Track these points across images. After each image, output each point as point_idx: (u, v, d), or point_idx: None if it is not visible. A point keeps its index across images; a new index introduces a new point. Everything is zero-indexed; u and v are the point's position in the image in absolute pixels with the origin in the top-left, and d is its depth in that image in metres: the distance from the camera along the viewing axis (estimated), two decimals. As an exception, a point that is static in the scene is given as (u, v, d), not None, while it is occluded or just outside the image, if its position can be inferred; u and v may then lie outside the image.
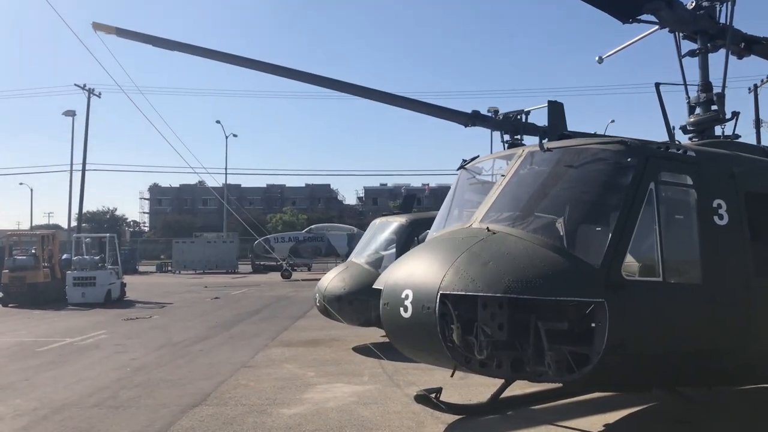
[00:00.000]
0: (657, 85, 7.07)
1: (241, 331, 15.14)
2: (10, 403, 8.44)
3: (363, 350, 12.16)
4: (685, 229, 5.61)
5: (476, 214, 5.80)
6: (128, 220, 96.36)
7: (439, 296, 5.06)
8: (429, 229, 12.68)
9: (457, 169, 7.13)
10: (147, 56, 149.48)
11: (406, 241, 11.94)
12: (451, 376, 6.35)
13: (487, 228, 5.47)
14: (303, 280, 37.49)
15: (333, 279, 12.04)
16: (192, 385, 9.30)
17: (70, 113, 50.44)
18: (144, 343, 13.29)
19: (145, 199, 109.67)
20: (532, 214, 5.59)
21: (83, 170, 50.74)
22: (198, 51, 12.58)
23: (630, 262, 5.30)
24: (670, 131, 7.08)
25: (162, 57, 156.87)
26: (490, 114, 14.19)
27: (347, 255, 40.85)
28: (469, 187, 6.86)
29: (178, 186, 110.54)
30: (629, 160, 5.45)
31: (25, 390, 9.13)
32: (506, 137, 14.40)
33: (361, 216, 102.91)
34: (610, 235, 5.10)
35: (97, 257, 22.95)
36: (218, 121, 57.58)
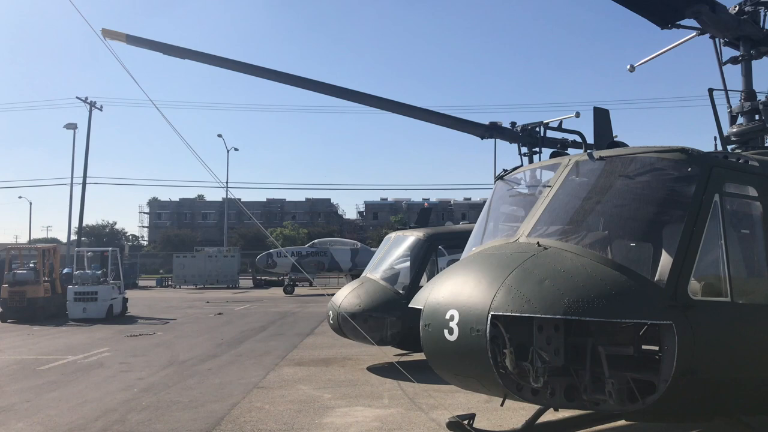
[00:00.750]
0: (710, 90, 6.67)
1: (249, 348, 14.64)
2: (12, 427, 7.95)
3: (378, 370, 11.71)
4: (751, 244, 5.19)
5: (522, 227, 5.37)
6: (127, 234, 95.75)
7: (489, 318, 4.61)
8: (447, 243, 12.33)
9: (495, 180, 6.70)
10: (145, 69, 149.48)
11: (424, 256, 11.51)
12: (501, 404, 5.89)
13: (538, 243, 5.04)
14: (306, 295, 37.09)
15: (348, 295, 11.59)
16: (204, 408, 8.82)
17: (72, 126, 50.11)
18: (149, 362, 12.79)
19: (144, 213, 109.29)
20: (584, 228, 5.17)
21: (84, 183, 50.34)
22: (210, 59, 12.23)
23: (694, 280, 4.87)
24: (723, 140, 6.68)
25: (161, 70, 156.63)
26: (508, 126, 13.89)
27: (350, 270, 40.66)
28: (508, 199, 6.44)
29: (177, 200, 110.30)
30: (691, 169, 5.03)
31: (27, 413, 8.63)
32: (524, 149, 14.11)
33: (361, 230, 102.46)
34: (675, 251, 4.68)
35: (99, 271, 22.44)
36: (220, 135, 57.32)
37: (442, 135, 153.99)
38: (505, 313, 4.59)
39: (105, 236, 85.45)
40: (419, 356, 12.84)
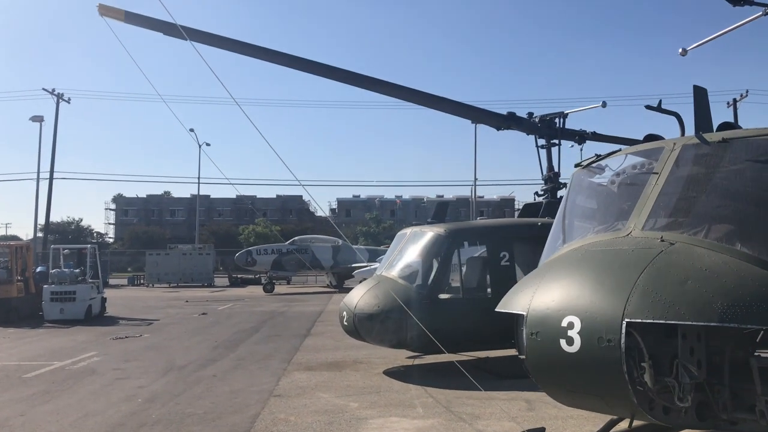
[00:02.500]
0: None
1: (249, 352, 13.77)
2: (10, 447, 7.04)
3: (396, 374, 11.00)
4: None
5: (633, 220, 4.68)
6: (93, 232, 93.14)
7: (624, 325, 3.92)
8: (471, 240, 11.63)
9: (575, 167, 6.00)
10: (113, 59, 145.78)
11: (447, 253, 10.80)
12: (630, 426, 5.23)
13: (661, 238, 4.36)
14: (286, 294, 36.13)
15: (364, 296, 10.82)
16: (222, 421, 7.98)
17: (38, 119, 48.25)
18: (145, 367, 11.85)
19: (110, 209, 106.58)
20: (706, 220, 4.50)
21: (51, 178, 48.50)
22: (213, 40, 11.31)
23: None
24: None
25: (129, 60, 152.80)
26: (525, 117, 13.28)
27: (332, 268, 39.78)
28: (597, 189, 5.74)
29: (144, 196, 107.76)
30: None
31: (25, 430, 7.68)
32: (541, 141, 13.52)
33: (331, 229, 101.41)
34: None
35: (77, 270, 21.22)
36: (192, 129, 55.58)
37: (415, 131, 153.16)
38: (643, 320, 3.90)
39: (70, 233, 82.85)
40: (433, 359, 12.17)
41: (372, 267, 32.05)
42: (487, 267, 11.04)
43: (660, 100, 5.73)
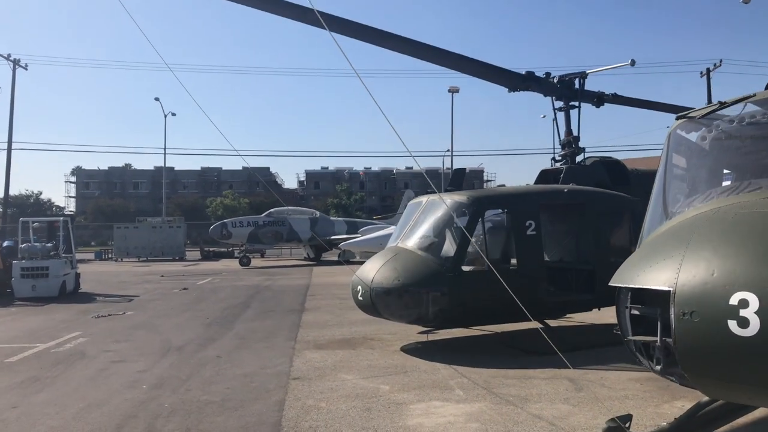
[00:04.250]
0: None
1: (247, 329, 12.89)
2: (9, 447, 6.10)
3: (415, 352, 10.30)
4: None
5: None
6: (54, 205, 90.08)
7: None
8: (496, 208, 10.89)
9: (677, 118, 5.23)
10: (73, 25, 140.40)
11: (470, 222, 10.02)
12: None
13: None
14: (264, 267, 35.15)
15: (381, 269, 10.01)
16: (245, 409, 7.15)
17: (-6, 86, 45.65)
18: (140, 348, 10.90)
19: (71, 182, 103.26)
20: None
21: (9, 149, 46.13)
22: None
23: None
24: None
25: (93, 26, 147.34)
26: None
27: (309, 240, 38.82)
28: (713, 145, 4.96)
29: (107, 168, 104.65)
30: None
31: (21, 425, 6.71)
32: (558, 104, 12.78)
33: (302, 201, 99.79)
34: None
35: (49, 244, 19.91)
36: (157, 99, 53.54)
37: (386, 99, 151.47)
38: None
39: (29, 207, 79.90)
40: (446, 335, 11.49)
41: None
42: (512, 236, 10.33)
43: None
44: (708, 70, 48.34)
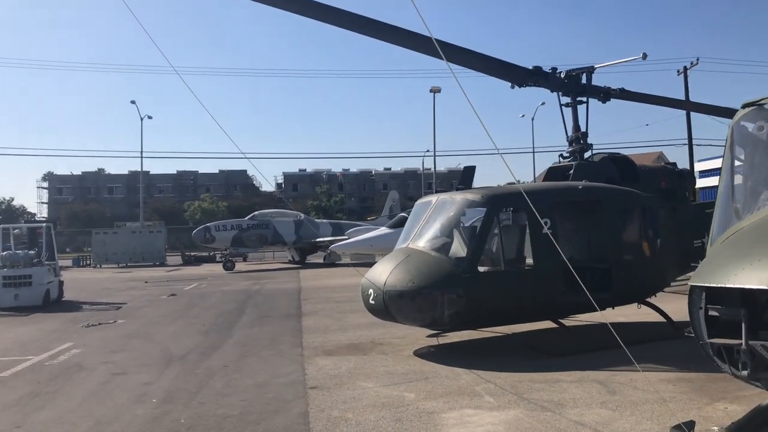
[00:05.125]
0: None
1: (248, 336, 12.43)
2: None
3: (430, 356, 9.96)
4: None
5: None
6: (26, 212, 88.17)
7: None
8: (512, 206, 10.57)
9: (743, 107, 4.92)
10: (50, 25, 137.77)
11: (487, 222, 9.70)
12: None
13: None
14: (249, 271, 34.50)
15: (394, 271, 9.63)
16: (268, 423, 6.73)
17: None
18: (139, 359, 10.39)
19: (43, 188, 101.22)
20: None
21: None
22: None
23: None
24: None
25: (67, 27, 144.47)
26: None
27: (294, 243, 38.25)
28: None
29: (80, 173, 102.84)
30: None
31: (29, 446, 6.25)
32: (565, 99, 12.51)
33: (280, 204, 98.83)
34: None
35: (32, 251, 19.17)
36: (133, 101, 52.57)
37: (362, 102, 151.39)
38: None
39: (1, 214, 78.12)
40: (457, 337, 11.16)
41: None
42: (528, 235, 10.03)
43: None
44: (685, 69, 48.78)
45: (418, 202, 11.34)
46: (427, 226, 10.31)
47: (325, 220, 42.78)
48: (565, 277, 10.39)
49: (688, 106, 13.00)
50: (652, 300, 11.24)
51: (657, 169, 12.35)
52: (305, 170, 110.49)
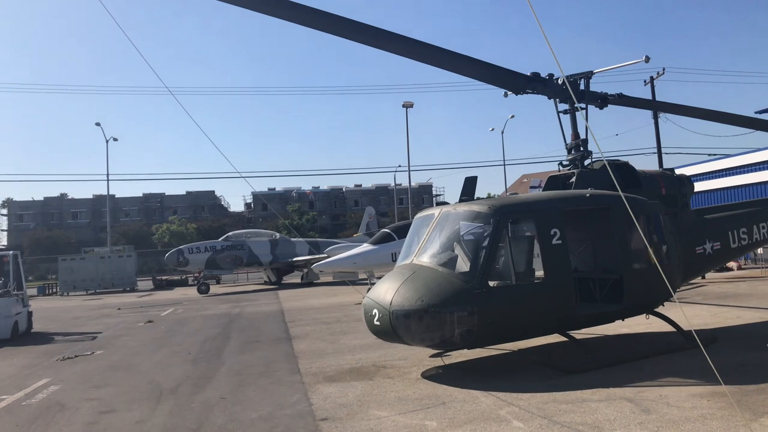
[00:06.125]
0: None
1: (240, 363, 11.71)
2: None
3: (440, 378, 9.42)
4: None
5: None
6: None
7: None
8: (520, 218, 10.10)
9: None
10: (12, 46, 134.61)
11: (494, 234, 9.22)
12: None
13: None
14: (225, 294, 33.55)
15: (401, 289, 9.09)
16: (283, 463, 6.10)
17: None
18: (126, 394, 9.62)
19: (2, 215, 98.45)
20: None
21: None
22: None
23: None
24: None
25: (30, 46, 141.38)
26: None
27: (271, 263, 37.41)
28: None
29: (42, 199, 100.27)
30: None
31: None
32: (563, 106, 12.18)
33: (250, 224, 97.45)
34: None
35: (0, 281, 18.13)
36: (98, 123, 51.31)
37: (329, 117, 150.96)
38: None
39: (-40, 242, 75.42)
40: (462, 357, 10.63)
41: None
42: (538, 247, 9.59)
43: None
44: (652, 79, 49.51)
45: (419, 215, 10.83)
46: (432, 240, 9.81)
47: (301, 239, 42.05)
48: (578, 289, 10.01)
49: (689, 112, 12.75)
50: (659, 309, 10.90)
51: (657, 175, 12.06)
52: (274, 189, 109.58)
